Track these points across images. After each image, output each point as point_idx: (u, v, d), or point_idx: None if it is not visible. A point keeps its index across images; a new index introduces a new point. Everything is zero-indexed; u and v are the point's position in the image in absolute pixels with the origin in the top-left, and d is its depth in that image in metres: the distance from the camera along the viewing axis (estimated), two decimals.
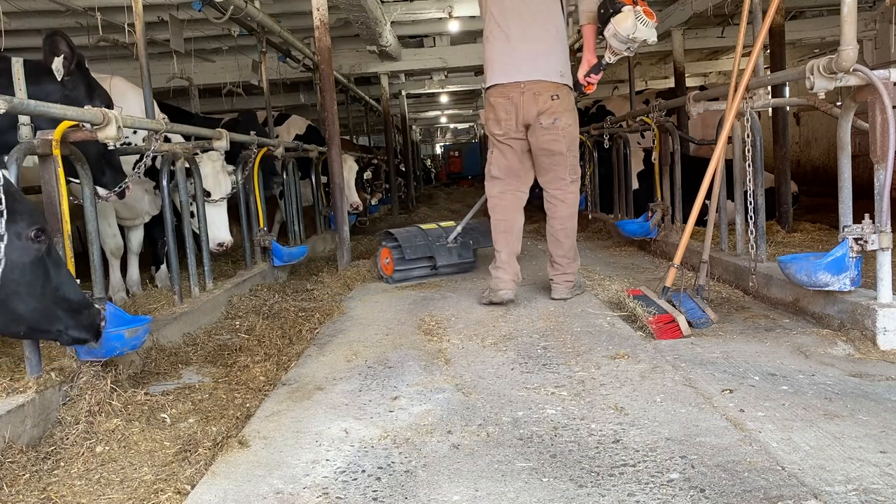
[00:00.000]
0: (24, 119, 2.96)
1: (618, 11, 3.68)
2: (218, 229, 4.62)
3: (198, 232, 4.41)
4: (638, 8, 3.67)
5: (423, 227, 5.32)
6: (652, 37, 3.71)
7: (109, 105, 3.36)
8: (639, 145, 7.58)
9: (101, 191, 3.56)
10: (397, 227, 5.55)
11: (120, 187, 3.59)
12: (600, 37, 3.89)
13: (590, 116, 9.68)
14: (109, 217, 4.61)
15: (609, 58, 3.89)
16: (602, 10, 3.78)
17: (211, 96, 10.97)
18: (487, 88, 4.16)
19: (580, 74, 4.07)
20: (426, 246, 5.02)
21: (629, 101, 8.51)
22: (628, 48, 3.75)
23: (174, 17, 6.51)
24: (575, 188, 4.13)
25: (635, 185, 6.70)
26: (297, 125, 8.35)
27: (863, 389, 2.46)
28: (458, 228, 5.08)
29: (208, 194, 4.56)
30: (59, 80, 3.30)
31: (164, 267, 5.37)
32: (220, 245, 4.67)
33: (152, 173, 4.46)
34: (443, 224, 5.41)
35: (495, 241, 4.19)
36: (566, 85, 4.02)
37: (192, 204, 4.38)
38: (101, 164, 3.48)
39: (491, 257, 4.29)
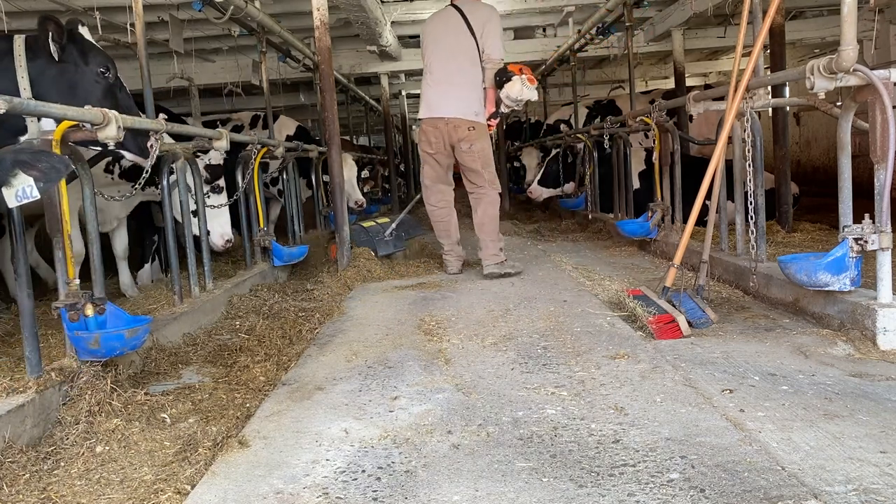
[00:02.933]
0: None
1: (509, 80, 5.02)
2: (222, 225, 4.62)
3: (197, 233, 4.41)
4: (523, 76, 5.01)
5: (365, 224, 6.38)
6: (533, 96, 5.13)
7: (108, 64, 3.32)
8: (640, 145, 7.59)
9: (129, 155, 3.45)
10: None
11: (145, 151, 3.44)
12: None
13: (600, 108, 9.84)
14: (72, 220, 4.51)
15: (503, 109, 5.27)
16: (497, 78, 5.09)
17: (211, 96, 10.97)
18: (421, 119, 5.37)
19: (485, 118, 5.27)
20: (368, 241, 6.07)
21: (640, 99, 8.54)
22: (517, 104, 5.16)
23: (174, 17, 6.51)
24: (492, 189, 5.25)
25: (636, 184, 6.70)
26: (287, 126, 8.38)
27: (863, 389, 2.46)
28: (393, 225, 6.16)
29: (221, 189, 4.57)
30: (55, 59, 3.24)
31: (147, 266, 5.41)
32: (228, 241, 4.67)
33: (130, 175, 4.44)
34: (379, 220, 6.53)
35: (439, 236, 5.49)
36: (479, 121, 5.21)
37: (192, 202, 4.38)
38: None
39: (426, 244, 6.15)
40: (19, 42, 3.20)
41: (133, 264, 5.13)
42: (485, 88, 5.21)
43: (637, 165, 6.76)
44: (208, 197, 4.56)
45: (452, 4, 5.31)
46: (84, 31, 3.33)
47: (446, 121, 5.17)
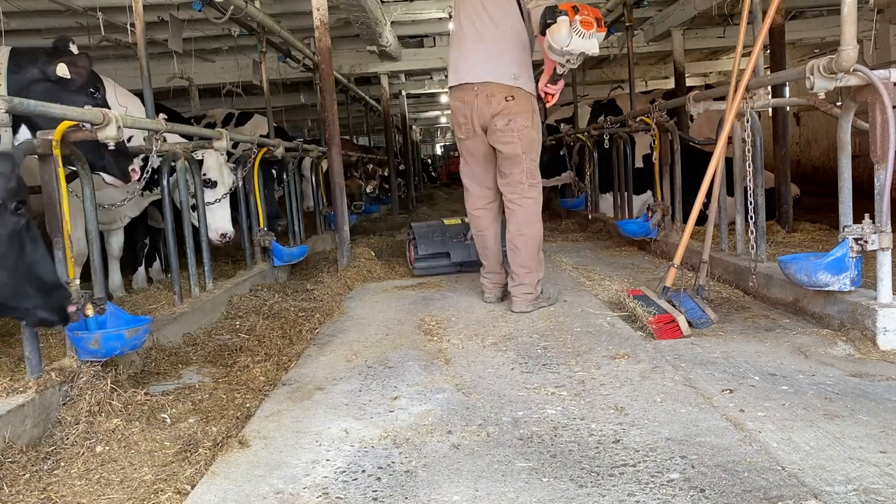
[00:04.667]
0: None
1: (554, 22, 3.46)
2: (221, 220, 4.61)
3: (197, 226, 4.40)
4: (576, 18, 3.41)
5: (447, 222, 5.38)
6: (591, 49, 3.47)
7: (98, 83, 3.36)
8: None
9: (108, 178, 3.48)
10: (417, 223, 5.68)
11: (127, 175, 3.49)
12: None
13: (601, 108, 9.87)
14: (76, 221, 4.50)
15: (559, 69, 3.67)
16: (542, 21, 3.53)
17: (211, 96, 10.97)
18: (449, 91, 4.10)
19: (540, 84, 3.83)
20: (442, 242, 5.08)
21: (640, 99, 8.55)
22: (568, 60, 3.54)
23: (174, 17, 6.51)
24: (534, 193, 3.93)
25: (639, 164, 6.68)
26: (261, 126, 8.43)
27: (863, 389, 2.46)
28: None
29: (214, 184, 4.56)
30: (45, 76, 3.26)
31: (140, 269, 5.39)
32: (223, 236, 4.66)
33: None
34: (448, 222, 5.48)
35: (479, 252, 4.24)
36: (522, 88, 3.84)
37: (192, 199, 4.38)
38: (102, 149, 3.33)
39: None
40: (3, 53, 3.25)
41: (123, 266, 5.11)
42: (535, 41, 3.82)
43: (641, 149, 6.74)
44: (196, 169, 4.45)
45: None
46: (73, 48, 3.35)
47: (476, 89, 3.86)
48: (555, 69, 3.70)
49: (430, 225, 5.41)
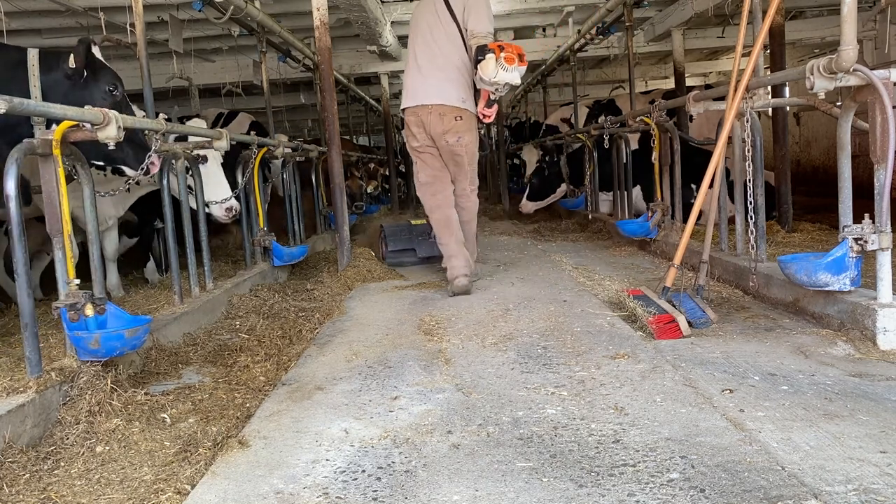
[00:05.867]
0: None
1: (483, 58, 4.24)
2: (224, 190, 4.60)
3: (197, 233, 4.40)
4: (502, 55, 4.16)
5: (414, 222, 6.15)
6: (514, 80, 4.27)
7: (117, 82, 3.43)
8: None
9: (129, 171, 3.51)
10: (388, 224, 6.55)
11: (143, 167, 3.49)
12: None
13: (601, 108, 9.90)
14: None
15: (493, 96, 4.48)
16: (474, 57, 4.41)
17: (211, 96, 10.97)
18: (403, 110, 4.88)
19: (479, 108, 4.64)
20: (409, 240, 5.85)
21: (640, 99, 8.56)
22: (496, 89, 4.34)
23: (174, 17, 6.51)
24: (474, 197, 4.95)
25: (634, 146, 6.69)
26: (243, 124, 8.48)
27: (863, 389, 2.46)
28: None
29: (205, 159, 4.47)
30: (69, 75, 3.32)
31: (151, 262, 5.43)
32: (230, 210, 4.64)
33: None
34: (415, 222, 6.23)
35: (440, 235, 4.81)
36: (468, 109, 4.67)
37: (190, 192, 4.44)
38: (122, 142, 3.34)
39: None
40: (33, 55, 3.30)
41: (126, 266, 5.12)
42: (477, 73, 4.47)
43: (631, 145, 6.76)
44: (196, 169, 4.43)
45: None
46: (95, 50, 3.41)
47: (430, 109, 4.65)
48: (489, 96, 4.52)
49: (398, 225, 6.14)
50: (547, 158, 9.15)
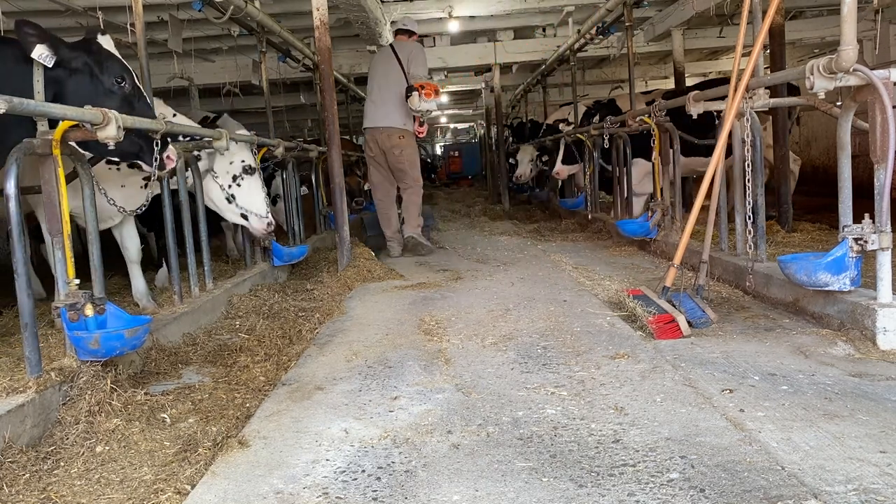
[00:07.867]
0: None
1: (409, 94, 6.42)
2: (264, 205, 4.68)
3: (197, 232, 4.39)
4: (422, 91, 6.35)
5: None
6: (432, 109, 6.74)
7: (124, 73, 3.27)
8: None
9: (145, 166, 3.42)
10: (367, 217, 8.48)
11: (156, 159, 3.36)
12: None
13: (601, 108, 9.90)
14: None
15: (421, 118, 6.78)
16: (406, 93, 6.47)
17: (210, 96, 10.97)
18: (363, 130, 6.86)
19: (416, 127, 6.77)
20: (377, 226, 7.14)
21: (639, 99, 8.53)
22: (422, 115, 6.71)
23: (174, 17, 6.51)
24: (416, 187, 6.84)
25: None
26: (226, 123, 8.48)
27: (863, 389, 2.46)
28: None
29: (253, 170, 4.65)
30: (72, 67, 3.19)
31: (163, 269, 5.28)
32: (270, 224, 4.71)
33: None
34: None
35: (383, 225, 6.86)
36: (408, 129, 6.71)
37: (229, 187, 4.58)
38: (136, 136, 3.27)
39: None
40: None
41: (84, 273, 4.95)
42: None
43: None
44: (242, 179, 4.63)
45: (389, 45, 6.88)
46: (105, 39, 3.31)
47: (381, 129, 6.63)
48: (419, 119, 6.80)
49: (373, 216, 7.64)
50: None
